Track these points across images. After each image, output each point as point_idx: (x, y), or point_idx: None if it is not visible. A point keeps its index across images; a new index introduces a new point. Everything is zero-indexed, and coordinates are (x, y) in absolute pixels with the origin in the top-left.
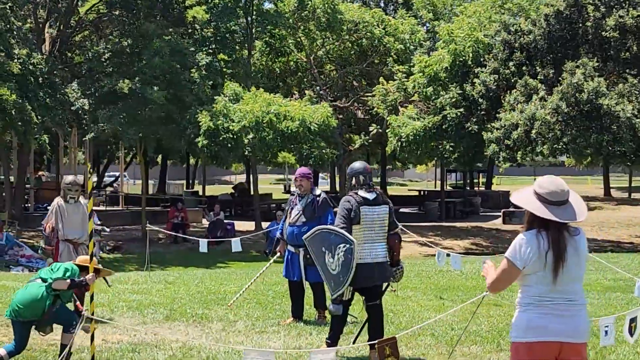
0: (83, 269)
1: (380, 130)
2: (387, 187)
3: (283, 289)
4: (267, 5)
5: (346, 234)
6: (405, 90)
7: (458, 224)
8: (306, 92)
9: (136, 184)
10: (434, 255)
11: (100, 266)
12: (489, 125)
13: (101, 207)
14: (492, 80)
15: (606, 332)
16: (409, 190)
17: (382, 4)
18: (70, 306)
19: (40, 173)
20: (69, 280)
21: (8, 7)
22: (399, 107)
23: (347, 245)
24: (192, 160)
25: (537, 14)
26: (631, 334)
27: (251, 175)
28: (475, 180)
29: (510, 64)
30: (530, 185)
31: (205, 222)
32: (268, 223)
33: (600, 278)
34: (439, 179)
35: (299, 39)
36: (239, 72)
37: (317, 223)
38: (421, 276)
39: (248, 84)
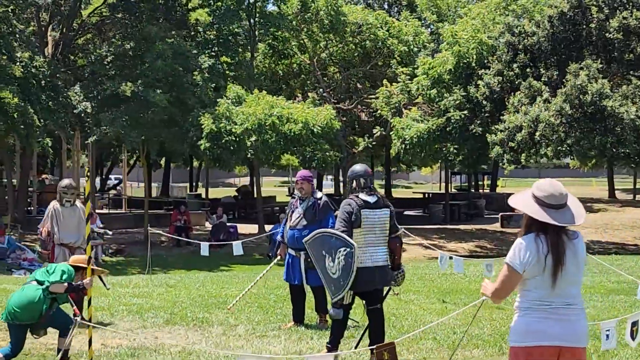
0: (78, 269)
1: (384, 133)
2: (392, 189)
3: (285, 292)
4: (270, 8)
5: (347, 237)
6: (409, 92)
7: (462, 227)
8: (309, 94)
9: (140, 187)
10: (438, 258)
11: (94, 265)
12: (492, 128)
13: (104, 210)
14: (496, 82)
15: (607, 336)
16: (413, 192)
17: (385, 6)
18: (67, 307)
19: (44, 176)
20: (66, 284)
21: (10, 10)
22: (403, 109)
23: (348, 249)
24: (195, 163)
25: (541, 15)
26: (633, 338)
27: (254, 178)
28: (480, 183)
29: (514, 65)
30: (527, 188)
31: (208, 225)
32: (271, 226)
33: (603, 280)
34: (444, 181)
35: (302, 41)
36: (241, 74)
37: (318, 226)
38: (424, 279)
39: (251, 87)
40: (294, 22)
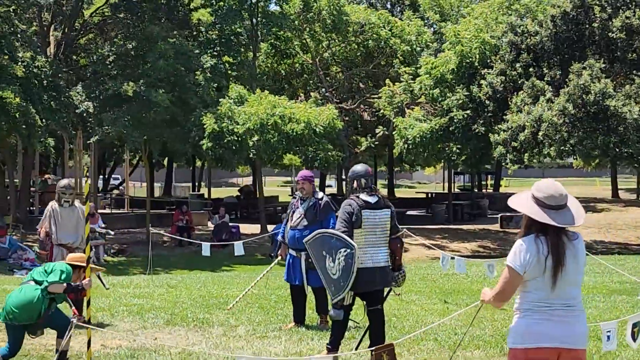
0: (75, 268)
1: (386, 132)
2: (395, 189)
3: (286, 293)
4: (273, 7)
5: (347, 238)
6: (412, 92)
7: (465, 227)
8: (312, 94)
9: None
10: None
11: (92, 264)
12: (495, 127)
13: (107, 210)
14: (498, 81)
15: (608, 337)
16: (416, 192)
17: (388, 6)
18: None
19: (46, 176)
20: (65, 284)
21: (12, 10)
22: (406, 108)
23: (348, 250)
24: (198, 163)
25: (543, 15)
26: (634, 339)
27: (257, 178)
28: (484, 183)
29: (517, 65)
30: (528, 189)
31: (210, 225)
32: (273, 226)
33: (606, 280)
34: (447, 181)
35: (304, 41)
36: (243, 74)
37: (319, 226)
38: (426, 280)
39: (253, 87)
40: (296, 22)
